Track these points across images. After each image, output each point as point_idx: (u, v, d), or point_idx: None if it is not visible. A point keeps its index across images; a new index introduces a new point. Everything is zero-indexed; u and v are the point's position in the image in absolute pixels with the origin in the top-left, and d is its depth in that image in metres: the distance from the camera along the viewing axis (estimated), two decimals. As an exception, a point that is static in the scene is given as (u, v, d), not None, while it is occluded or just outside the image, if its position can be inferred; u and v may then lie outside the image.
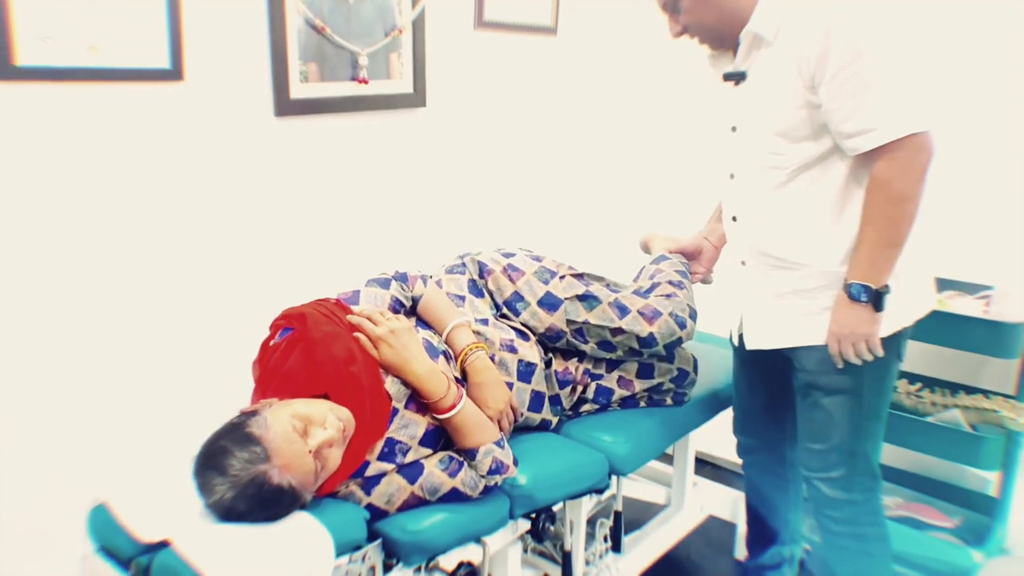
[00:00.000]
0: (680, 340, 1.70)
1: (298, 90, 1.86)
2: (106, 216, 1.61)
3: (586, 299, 1.67)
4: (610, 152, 2.81)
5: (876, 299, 1.45)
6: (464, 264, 1.75)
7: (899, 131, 1.36)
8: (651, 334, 1.66)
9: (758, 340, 1.65)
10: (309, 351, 1.37)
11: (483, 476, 1.43)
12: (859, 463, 1.59)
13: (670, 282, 1.79)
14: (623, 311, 1.67)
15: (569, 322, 1.67)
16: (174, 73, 1.63)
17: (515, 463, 1.49)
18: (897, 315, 1.51)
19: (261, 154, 1.84)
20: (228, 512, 1.22)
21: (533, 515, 1.57)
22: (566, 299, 1.68)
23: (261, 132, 1.83)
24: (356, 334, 1.43)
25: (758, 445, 1.89)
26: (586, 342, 1.69)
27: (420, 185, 2.23)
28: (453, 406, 1.43)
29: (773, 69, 1.45)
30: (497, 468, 1.44)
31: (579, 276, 1.73)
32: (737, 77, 1.51)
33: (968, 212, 2.22)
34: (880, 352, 1.50)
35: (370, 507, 1.37)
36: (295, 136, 1.90)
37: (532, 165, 2.53)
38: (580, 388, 1.75)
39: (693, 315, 1.73)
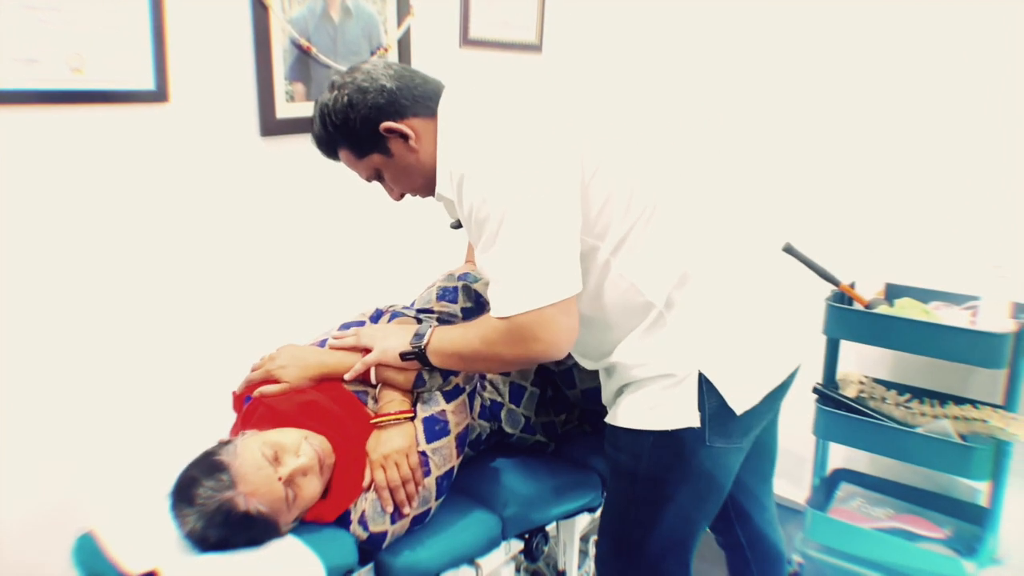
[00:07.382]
0: None
1: (284, 110, 1.86)
2: (92, 241, 1.59)
3: None
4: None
5: (421, 355, 1.35)
6: (456, 289, 1.72)
7: (507, 309, 1.20)
8: None
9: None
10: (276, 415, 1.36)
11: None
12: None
13: None
14: None
15: (557, 363, 1.62)
16: (159, 94, 1.63)
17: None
18: (675, 412, 1.31)
19: (247, 174, 1.84)
20: (202, 542, 1.20)
21: (526, 535, 1.56)
22: None
23: (247, 152, 1.82)
24: (259, 390, 1.38)
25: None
26: (573, 387, 1.65)
27: (407, 203, 2.22)
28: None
29: None
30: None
31: None
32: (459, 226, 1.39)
33: (954, 223, 2.25)
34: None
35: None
36: (281, 156, 1.89)
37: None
38: (575, 418, 1.72)
39: None
